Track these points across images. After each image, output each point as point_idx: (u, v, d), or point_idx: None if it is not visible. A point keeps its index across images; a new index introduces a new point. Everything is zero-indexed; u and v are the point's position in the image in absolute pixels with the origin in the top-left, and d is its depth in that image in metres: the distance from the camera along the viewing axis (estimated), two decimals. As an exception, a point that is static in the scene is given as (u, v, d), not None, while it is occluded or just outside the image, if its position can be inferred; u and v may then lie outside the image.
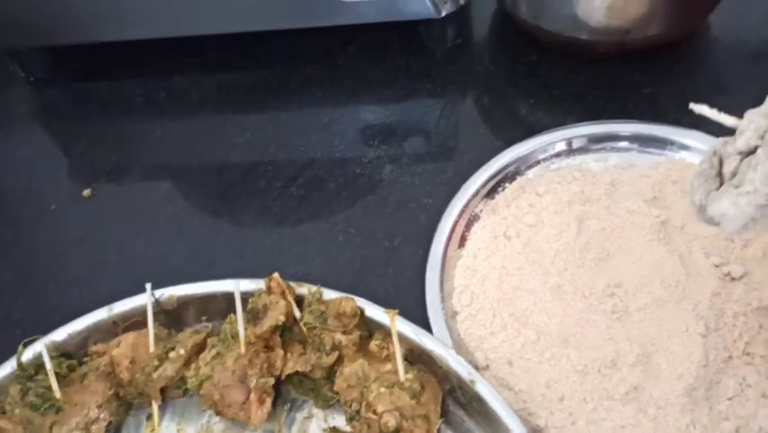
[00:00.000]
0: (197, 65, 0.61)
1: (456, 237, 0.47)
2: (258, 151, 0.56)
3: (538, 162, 0.50)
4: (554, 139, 0.50)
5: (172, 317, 0.44)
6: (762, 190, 0.31)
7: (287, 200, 0.53)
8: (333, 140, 0.56)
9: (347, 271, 0.49)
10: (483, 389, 0.38)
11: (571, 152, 0.50)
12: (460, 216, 0.47)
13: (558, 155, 0.50)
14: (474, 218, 0.48)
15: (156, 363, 0.41)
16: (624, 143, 0.49)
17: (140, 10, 0.56)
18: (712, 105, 0.45)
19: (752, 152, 0.32)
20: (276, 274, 0.43)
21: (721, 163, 0.33)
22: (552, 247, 0.45)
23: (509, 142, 0.51)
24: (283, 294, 0.40)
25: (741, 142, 0.32)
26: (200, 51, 0.61)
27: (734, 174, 0.32)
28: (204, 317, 0.44)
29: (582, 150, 0.50)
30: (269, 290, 0.41)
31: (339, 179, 0.54)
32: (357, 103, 0.58)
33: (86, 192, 0.55)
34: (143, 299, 0.43)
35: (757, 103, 0.54)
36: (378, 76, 0.59)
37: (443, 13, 0.55)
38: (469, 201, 0.48)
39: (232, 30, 0.58)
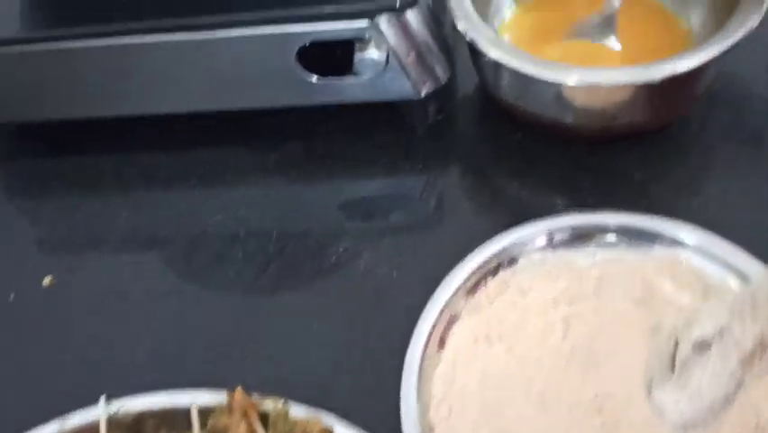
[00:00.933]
0: (169, 141, 0.58)
1: (435, 338, 0.44)
2: (228, 234, 0.53)
3: (522, 255, 0.47)
4: (539, 231, 0.47)
5: (132, 430, 0.41)
6: (706, 396, 0.28)
7: (256, 292, 0.50)
8: (309, 223, 0.53)
9: (319, 373, 0.46)
10: None
11: (556, 244, 0.47)
12: (440, 315, 0.44)
13: (543, 248, 0.47)
14: (455, 318, 0.45)
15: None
16: (612, 237, 0.47)
17: (109, 88, 0.54)
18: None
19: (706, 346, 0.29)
20: (239, 388, 0.40)
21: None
22: (536, 353, 0.42)
23: (494, 228, 0.48)
24: (246, 414, 0.38)
25: (696, 331, 0.29)
26: (172, 127, 0.59)
27: (684, 364, 0.29)
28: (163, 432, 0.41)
29: (568, 242, 0.47)
30: (230, 407, 0.38)
31: (313, 267, 0.51)
32: (335, 184, 0.55)
33: (47, 280, 0.52)
34: (98, 412, 0.40)
35: (755, 192, 0.52)
36: (357, 154, 0.56)
37: (424, 93, 0.53)
38: (449, 300, 0.45)
39: (206, 108, 0.55)
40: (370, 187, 0.55)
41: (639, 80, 0.48)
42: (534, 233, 0.47)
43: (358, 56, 0.51)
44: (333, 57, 0.53)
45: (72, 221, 0.55)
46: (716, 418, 0.32)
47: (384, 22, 0.49)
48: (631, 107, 0.49)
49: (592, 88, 0.49)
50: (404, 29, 0.50)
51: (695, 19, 0.55)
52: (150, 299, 0.50)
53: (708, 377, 0.29)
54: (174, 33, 0.50)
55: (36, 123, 0.58)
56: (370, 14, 0.49)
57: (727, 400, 0.31)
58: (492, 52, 0.49)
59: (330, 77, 0.52)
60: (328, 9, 0.49)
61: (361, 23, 0.49)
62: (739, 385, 0.31)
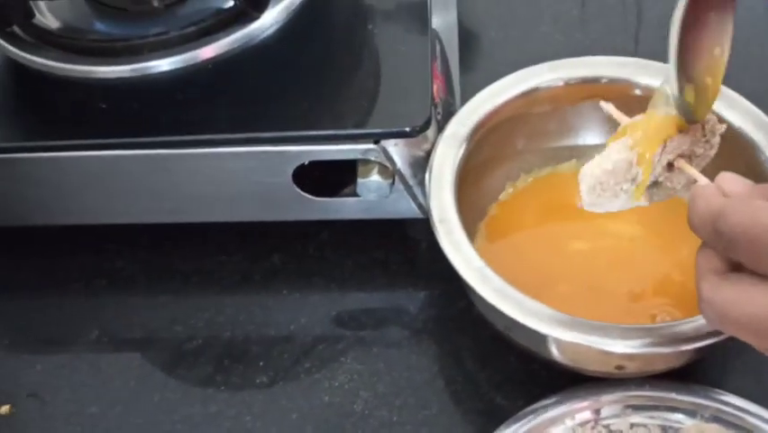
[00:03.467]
0: (146, 248, 0.53)
1: None
2: (208, 366, 0.48)
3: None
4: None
5: None
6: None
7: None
8: (298, 354, 0.48)
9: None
10: None
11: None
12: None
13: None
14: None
15: None
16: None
17: (103, 198, 0.49)
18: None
19: None
20: None
21: None
22: None
23: (507, 381, 0.45)
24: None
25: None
26: (149, 233, 0.53)
27: None
28: None
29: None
30: None
31: (303, 409, 0.46)
32: (326, 306, 0.50)
33: (4, 409, 0.47)
34: None
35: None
36: (351, 270, 0.52)
37: (429, 214, 0.49)
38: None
39: (194, 220, 0.51)
40: (366, 313, 0.50)
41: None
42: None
43: (360, 179, 0.46)
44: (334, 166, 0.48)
45: (33, 342, 0.50)
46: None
47: (392, 144, 0.44)
48: (642, 360, 0.41)
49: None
50: (413, 151, 0.45)
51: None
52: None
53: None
54: (168, 149, 0.46)
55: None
56: (377, 138, 0.44)
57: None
58: (479, 288, 0.41)
59: (329, 198, 0.47)
60: (333, 131, 0.44)
61: (367, 146, 0.44)
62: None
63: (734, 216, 0.31)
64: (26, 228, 0.52)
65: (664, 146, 0.37)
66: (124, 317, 0.51)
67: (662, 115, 0.38)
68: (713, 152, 0.40)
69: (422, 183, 0.46)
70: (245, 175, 0.47)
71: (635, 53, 0.51)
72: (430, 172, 0.45)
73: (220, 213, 0.50)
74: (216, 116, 0.47)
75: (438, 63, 0.49)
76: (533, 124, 0.50)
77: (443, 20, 0.54)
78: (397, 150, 0.45)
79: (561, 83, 0.48)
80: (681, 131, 0.38)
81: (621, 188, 0.38)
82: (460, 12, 0.60)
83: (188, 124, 0.46)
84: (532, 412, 0.42)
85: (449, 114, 0.49)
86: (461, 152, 0.46)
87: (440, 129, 0.47)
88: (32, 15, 0.49)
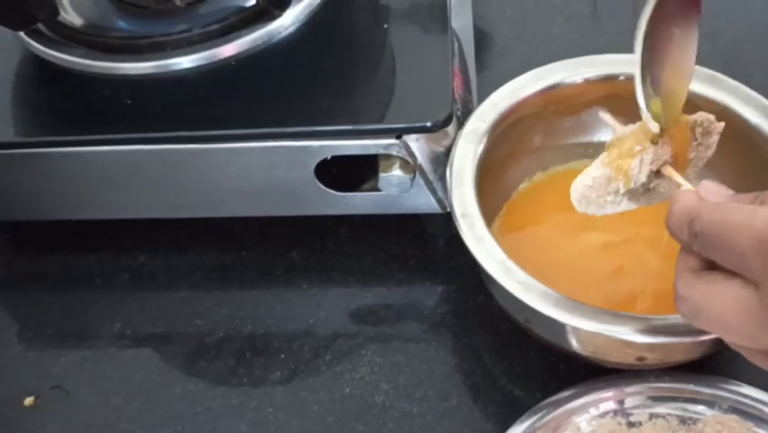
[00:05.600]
0: (167, 243, 0.54)
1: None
2: (229, 359, 0.48)
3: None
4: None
5: None
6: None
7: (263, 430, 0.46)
8: (318, 347, 0.49)
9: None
10: None
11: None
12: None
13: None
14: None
15: None
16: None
17: (112, 191, 0.50)
18: None
19: None
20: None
21: None
22: None
23: (525, 374, 0.46)
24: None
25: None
26: (170, 228, 0.53)
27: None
28: None
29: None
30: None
31: (324, 401, 0.47)
32: (346, 300, 0.51)
33: (29, 401, 0.47)
34: None
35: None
36: (370, 265, 0.52)
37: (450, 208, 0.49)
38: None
39: (215, 215, 0.51)
40: (385, 309, 0.50)
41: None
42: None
43: (382, 174, 0.46)
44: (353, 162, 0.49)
45: (55, 337, 0.50)
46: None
47: (413, 140, 0.45)
48: (662, 350, 0.42)
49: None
50: (433, 146, 0.46)
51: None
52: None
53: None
54: (191, 144, 0.46)
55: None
56: (399, 133, 0.45)
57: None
58: (503, 280, 0.41)
59: (351, 193, 0.48)
60: (356, 126, 0.45)
61: (389, 141, 0.45)
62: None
63: (706, 216, 0.33)
64: (49, 223, 0.53)
65: (641, 159, 0.39)
66: (146, 311, 0.51)
67: (632, 128, 0.40)
68: (710, 153, 0.41)
69: (442, 178, 0.47)
70: (268, 170, 0.47)
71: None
72: (451, 167, 0.45)
73: (242, 208, 0.50)
74: (239, 112, 0.47)
75: (457, 61, 0.50)
76: (550, 121, 0.50)
77: (459, 20, 0.55)
78: (418, 145, 0.45)
79: (580, 80, 0.49)
80: (657, 142, 0.39)
81: (605, 200, 0.40)
82: (474, 13, 0.61)
83: (211, 120, 0.47)
84: (553, 403, 0.42)
85: (467, 111, 0.49)
86: (481, 147, 0.47)
87: (460, 125, 0.47)
88: (57, 13, 0.49)
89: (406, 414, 0.46)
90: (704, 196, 0.35)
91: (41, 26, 0.50)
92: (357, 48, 0.51)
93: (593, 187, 0.39)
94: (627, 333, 0.39)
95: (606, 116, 0.42)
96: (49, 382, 0.48)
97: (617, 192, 0.40)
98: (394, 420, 0.45)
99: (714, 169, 0.48)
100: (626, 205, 0.40)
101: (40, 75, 0.51)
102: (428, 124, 0.45)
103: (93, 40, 0.50)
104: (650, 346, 0.40)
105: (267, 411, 0.46)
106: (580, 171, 0.51)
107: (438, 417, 0.45)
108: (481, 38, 0.63)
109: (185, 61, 0.49)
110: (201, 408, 0.47)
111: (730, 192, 0.36)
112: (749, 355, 0.34)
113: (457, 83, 0.48)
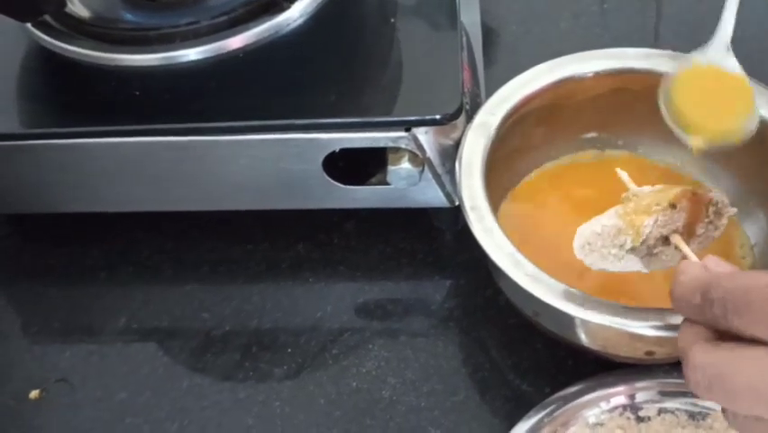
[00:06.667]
0: (173, 237, 0.54)
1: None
2: (236, 353, 0.48)
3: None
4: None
5: None
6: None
7: (268, 429, 0.46)
8: (325, 341, 0.49)
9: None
10: None
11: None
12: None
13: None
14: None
15: None
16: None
17: (119, 183, 0.49)
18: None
19: None
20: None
21: None
22: None
23: (533, 368, 0.46)
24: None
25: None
26: (176, 222, 0.53)
27: None
28: None
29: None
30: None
31: (331, 395, 0.46)
32: (353, 295, 0.51)
33: (34, 394, 0.47)
34: None
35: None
36: (377, 260, 0.52)
37: (458, 202, 0.49)
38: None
39: (222, 208, 0.51)
40: (392, 303, 0.50)
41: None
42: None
43: (391, 167, 0.46)
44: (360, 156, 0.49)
45: (60, 329, 0.50)
46: None
47: (422, 132, 0.45)
48: (672, 344, 0.40)
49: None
50: (442, 140, 0.46)
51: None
52: (148, 428, 0.46)
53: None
54: (198, 136, 0.46)
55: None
56: (408, 125, 0.45)
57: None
58: (512, 273, 0.41)
59: (359, 186, 0.48)
60: (366, 118, 0.45)
61: (399, 133, 0.45)
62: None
63: (726, 283, 0.31)
64: (56, 216, 0.53)
65: (656, 219, 0.39)
66: (152, 305, 0.51)
67: (651, 189, 0.40)
68: (718, 234, 0.41)
69: (450, 172, 0.47)
70: (275, 163, 0.47)
71: (654, 48, 0.52)
72: (460, 161, 0.45)
73: (249, 201, 0.50)
74: (247, 105, 0.47)
75: (465, 55, 0.50)
76: (559, 115, 0.50)
77: (467, 16, 0.55)
78: (427, 138, 0.45)
79: (590, 74, 0.49)
80: (675, 207, 0.39)
81: (609, 252, 0.40)
82: (482, 8, 0.61)
83: (219, 112, 0.47)
84: (563, 398, 0.42)
85: (476, 105, 0.49)
86: (490, 141, 0.46)
87: (468, 119, 0.47)
88: (65, 4, 0.49)
89: (413, 408, 0.46)
90: (712, 268, 0.34)
91: (47, 18, 0.50)
92: (366, 40, 0.51)
93: (601, 235, 0.39)
94: (638, 326, 0.39)
95: (623, 174, 0.42)
96: (54, 376, 0.48)
97: (621, 246, 0.39)
98: (401, 415, 0.45)
99: (724, 165, 0.48)
100: (624, 264, 0.40)
101: (46, 66, 0.51)
102: (438, 116, 0.44)
103: (100, 31, 0.49)
104: (660, 341, 0.40)
105: (273, 405, 0.46)
106: (585, 164, 0.52)
107: (445, 411, 0.45)
108: (489, 33, 0.63)
109: (192, 53, 0.49)
110: (208, 402, 0.47)
111: (735, 267, 0.35)
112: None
113: (466, 77, 0.48)
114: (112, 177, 0.49)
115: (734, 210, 0.41)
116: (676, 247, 0.39)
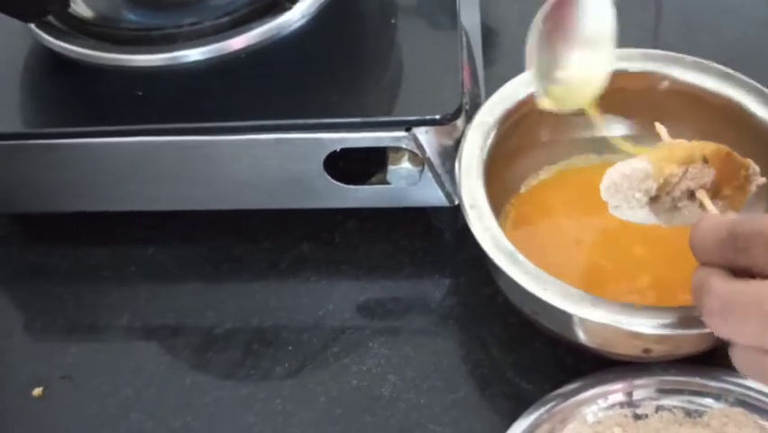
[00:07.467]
0: (176, 235, 0.54)
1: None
2: (238, 350, 0.49)
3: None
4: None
5: None
6: None
7: (269, 426, 0.46)
8: (327, 339, 0.49)
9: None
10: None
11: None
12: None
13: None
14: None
15: None
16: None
17: (122, 183, 0.50)
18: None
19: None
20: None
21: None
22: None
23: (533, 366, 0.46)
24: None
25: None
26: (179, 220, 0.54)
27: None
28: None
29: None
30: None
31: (332, 392, 0.47)
32: (354, 293, 0.51)
33: (37, 391, 0.48)
34: None
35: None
36: (378, 258, 0.52)
37: (458, 202, 0.49)
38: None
39: (224, 207, 0.51)
40: (393, 301, 0.50)
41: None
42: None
43: (391, 166, 0.47)
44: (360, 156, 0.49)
45: (63, 327, 0.51)
46: None
47: (422, 132, 0.45)
48: (670, 342, 0.42)
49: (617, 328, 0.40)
50: (442, 139, 0.46)
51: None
52: (151, 424, 0.46)
53: None
54: (201, 135, 0.47)
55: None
56: (408, 125, 0.45)
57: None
58: (511, 271, 0.41)
59: (359, 186, 0.48)
60: (366, 118, 0.45)
61: (399, 133, 0.45)
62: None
63: (750, 223, 0.33)
64: (60, 215, 0.53)
65: (686, 170, 0.39)
66: (155, 302, 0.52)
67: (693, 144, 0.40)
68: (744, 199, 0.41)
69: (450, 171, 0.47)
70: (277, 162, 0.47)
71: (654, 48, 0.52)
72: (460, 160, 0.46)
73: (251, 200, 0.50)
74: (249, 104, 0.47)
75: (465, 55, 0.50)
76: (558, 116, 0.50)
77: (467, 16, 0.55)
78: (427, 138, 0.46)
79: (588, 74, 0.49)
80: (707, 162, 0.39)
81: (633, 195, 0.40)
82: (482, 9, 0.61)
83: (221, 112, 0.47)
84: (562, 395, 0.43)
85: (476, 105, 0.49)
86: (490, 141, 0.47)
87: (468, 119, 0.47)
88: (68, 5, 0.50)
89: (413, 406, 0.46)
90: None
91: (51, 18, 0.50)
92: (366, 41, 0.51)
93: (629, 177, 0.39)
94: (636, 324, 0.39)
95: (661, 129, 0.42)
96: (58, 373, 0.48)
97: (647, 192, 0.39)
98: (401, 412, 0.46)
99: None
100: (645, 215, 0.40)
101: (50, 66, 0.51)
102: (438, 116, 0.45)
103: (103, 31, 0.50)
104: (658, 338, 0.40)
105: (275, 403, 0.47)
106: (585, 167, 0.52)
107: (446, 408, 0.46)
108: (489, 34, 0.63)
109: (195, 54, 0.49)
110: (210, 398, 0.47)
111: None
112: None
113: (466, 77, 0.48)
114: (115, 176, 0.49)
115: (763, 180, 0.41)
116: (700, 205, 0.39)
